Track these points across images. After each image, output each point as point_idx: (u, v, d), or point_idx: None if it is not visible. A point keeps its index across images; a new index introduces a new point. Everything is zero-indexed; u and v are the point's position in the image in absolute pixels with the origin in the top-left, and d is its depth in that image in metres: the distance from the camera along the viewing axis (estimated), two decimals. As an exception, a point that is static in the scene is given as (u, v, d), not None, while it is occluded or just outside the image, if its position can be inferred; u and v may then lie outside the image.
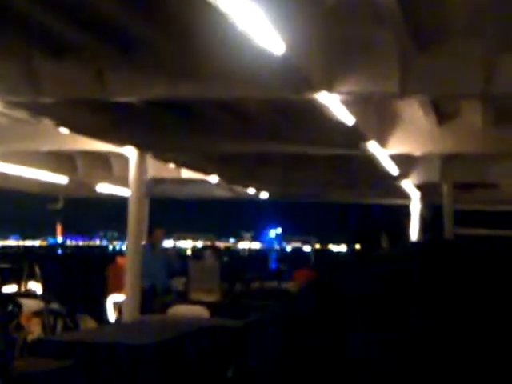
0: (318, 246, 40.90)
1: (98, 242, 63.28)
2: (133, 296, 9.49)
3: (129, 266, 9.57)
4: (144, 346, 6.07)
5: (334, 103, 7.02)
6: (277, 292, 11.71)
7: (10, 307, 8.89)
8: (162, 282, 11.68)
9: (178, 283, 12.17)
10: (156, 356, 6.10)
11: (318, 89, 6.52)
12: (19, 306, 9.01)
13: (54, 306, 9.41)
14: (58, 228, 48.82)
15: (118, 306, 11.95)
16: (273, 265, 24.58)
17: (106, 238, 63.40)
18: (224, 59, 6.46)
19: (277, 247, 39.95)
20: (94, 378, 5.60)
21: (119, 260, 13.19)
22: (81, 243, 60.76)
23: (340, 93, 6.62)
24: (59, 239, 52.05)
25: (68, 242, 56.78)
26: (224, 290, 11.93)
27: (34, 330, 8.32)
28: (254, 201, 18.37)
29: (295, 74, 6.32)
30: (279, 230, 40.28)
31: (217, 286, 11.65)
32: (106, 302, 12.03)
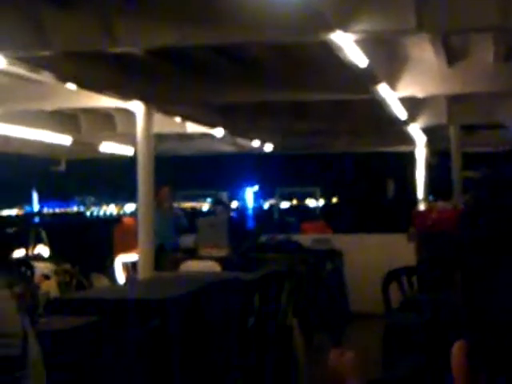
0: (295, 201, 39.73)
1: (75, 209, 61.45)
2: (146, 255, 9.38)
3: (141, 225, 9.42)
4: (166, 301, 5.96)
5: (347, 44, 6.84)
6: (286, 245, 11.60)
7: (23, 270, 8.79)
8: (171, 239, 11.60)
9: (188, 240, 12.09)
10: (179, 310, 6.00)
11: (333, 28, 6.34)
12: (32, 269, 8.91)
13: (66, 266, 9.31)
14: (35, 195, 48.59)
15: (127, 266, 11.90)
16: (250, 223, 23.94)
17: (83, 204, 61.74)
18: (235, 2, 6.28)
19: (253, 205, 38.97)
20: (119, 334, 5.51)
21: (126, 220, 13.13)
22: (57, 210, 59.01)
23: (355, 32, 6.44)
24: (35, 207, 51.30)
25: (45, 210, 55.14)
26: (233, 245, 11.85)
27: (49, 290, 8.22)
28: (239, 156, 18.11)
29: (310, 14, 6.14)
30: (256, 188, 39.39)
31: (226, 241, 11.58)
32: (113, 262, 11.98)
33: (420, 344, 4.43)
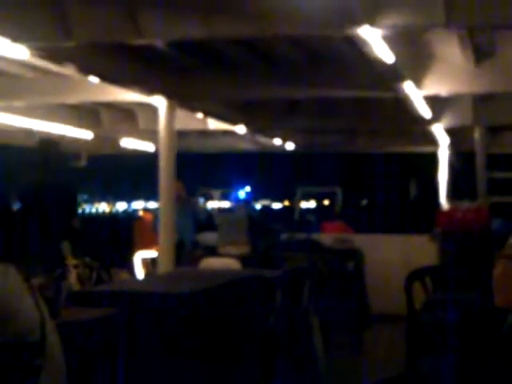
0: (286, 202, 38.80)
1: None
2: (167, 250, 9.33)
3: (162, 220, 9.37)
4: (188, 295, 5.90)
5: (374, 39, 6.74)
6: (307, 243, 11.51)
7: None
8: (190, 235, 11.54)
9: (207, 237, 12.03)
10: (200, 304, 5.93)
11: (360, 23, 6.24)
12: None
13: (87, 260, 9.29)
14: None
15: (146, 262, 11.87)
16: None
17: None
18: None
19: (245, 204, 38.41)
20: (139, 326, 5.46)
21: (145, 216, 13.11)
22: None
23: (383, 26, 6.33)
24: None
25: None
26: (253, 243, 11.77)
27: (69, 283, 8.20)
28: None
29: (337, 8, 6.06)
30: (248, 189, 38.98)
31: (246, 238, 11.50)
32: (133, 258, 11.95)
33: (446, 343, 4.34)
